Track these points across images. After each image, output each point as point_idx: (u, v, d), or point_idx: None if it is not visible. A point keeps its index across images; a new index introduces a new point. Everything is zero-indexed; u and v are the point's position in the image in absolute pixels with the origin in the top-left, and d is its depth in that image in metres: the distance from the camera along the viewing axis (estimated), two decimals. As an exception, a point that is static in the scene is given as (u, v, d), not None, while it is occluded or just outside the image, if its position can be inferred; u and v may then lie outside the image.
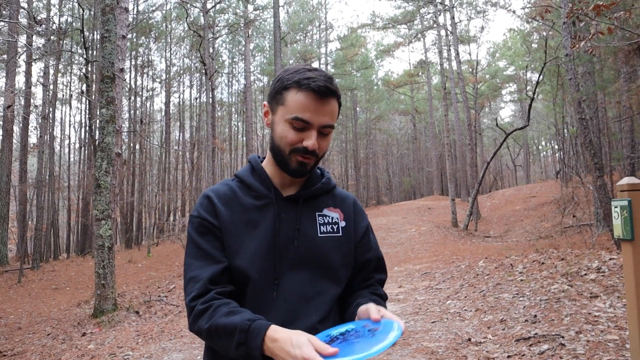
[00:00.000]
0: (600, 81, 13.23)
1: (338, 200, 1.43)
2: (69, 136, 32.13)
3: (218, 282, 1.22)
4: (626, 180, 2.80)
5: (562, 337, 4.10)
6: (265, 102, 1.33)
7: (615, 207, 2.78)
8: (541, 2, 17.46)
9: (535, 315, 4.83)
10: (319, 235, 1.33)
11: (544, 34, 20.47)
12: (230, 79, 38.13)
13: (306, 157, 1.26)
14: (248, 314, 1.13)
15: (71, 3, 22.73)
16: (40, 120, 21.22)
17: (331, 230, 1.36)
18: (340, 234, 1.37)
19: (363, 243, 1.41)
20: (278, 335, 1.05)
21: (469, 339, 4.56)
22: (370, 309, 1.17)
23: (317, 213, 1.36)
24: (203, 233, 1.27)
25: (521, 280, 6.37)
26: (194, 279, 1.21)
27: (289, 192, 1.35)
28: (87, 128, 22.99)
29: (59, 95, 27.04)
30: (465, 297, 6.33)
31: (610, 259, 6.21)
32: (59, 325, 8.55)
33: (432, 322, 5.41)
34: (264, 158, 1.40)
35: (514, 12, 29.22)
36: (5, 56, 20.48)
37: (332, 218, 1.38)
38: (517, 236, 16.53)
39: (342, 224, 1.39)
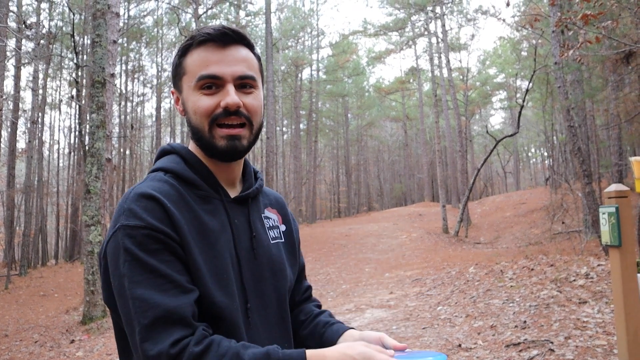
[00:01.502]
0: (589, 89, 13.40)
1: (272, 200, 1.22)
2: (58, 141, 31.95)
3: (195, 318, 0.90)
4: (614, 187, 2.83)
5: (552, 342, 4.12)
6: (172, 89, 1.08)
7: (603, 213, 2.82)
8: (531, 10, 17.67)
9: (525, 321, 4.86)
10: (271, 242, 1.12)
11: (534, 42, 20.69)
12: (222, 85, 38.02)
13: (232, 126, 0.99)
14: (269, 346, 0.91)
15: (61, 7, 22.63)
16: (29, 125, 21.07)
17: (277, 235, 1.15)
18: (283, 239, 1.17)
19: (299, 250, 1.24)
20: (324, 354, 0.90)
21: (460, 345, 4.57)
22: (384, 339, 1.03)
23: (262, 215, 1.14)
24: (154, 251, 0.89)
25: (511, 286, 6.40)
26: (166, 317, 0.84)
27: (232, 192, 1.09)
28: (77, 133, 22.83)
29: (49, 99, 26.87)
30: (456, 303, 6.35)
31: (599, 265, 6.27)
32: (46, 332, 8.45)
33: (423, 328, 5.42)
34: (175, 146, 1.09)
35: (504, 20, 29.65)
36: (-6, 60, 20.33)
37: (274, 221, 1.17)
38: (507, 242, 16.62)
39: (282, 227, 1.19)
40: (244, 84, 1.01)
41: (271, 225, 1.15)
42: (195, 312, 0.89)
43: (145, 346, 0.83)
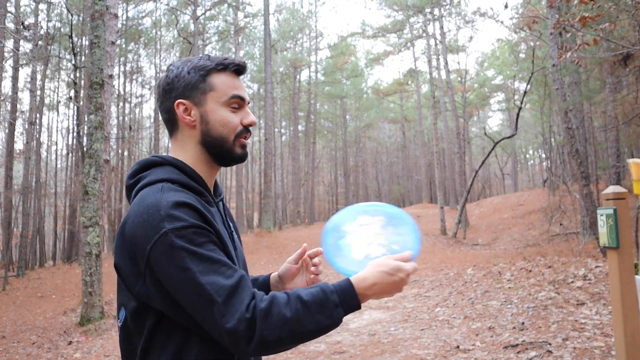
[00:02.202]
0: (587, 91, 13.42)
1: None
2: (56, 142, 31.86)
3: (250, 285, 1.04)
4: (612, 189, 2.84)
5: (550, 344, 4.13)
6: (181, 100, 1.15)
7: (601, 215, 2.82)
8: (529, 12, 17.71)
9: (523, 323, 4.86)
10: (236, 238, 1.27)
11: (532, 44, 20.73)
12: (220, 86, 38.00)
13: (247, 137, 1.20)
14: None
15: (60, 8, 22.61)
16: (26, 126, 21.01)
17: (234, 230, 1.30)
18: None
19: None
20: (365, 277, 1.05)
21: (458, 347, 4.57)
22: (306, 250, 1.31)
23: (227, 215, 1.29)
24: (202, 243, 1.01)
25: (509, 287, 6.41)
26: (233, 292, 0.98)
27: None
28: (75, 134, 22.80)
29: (47, 101, 26.80)
30: (454, 304, 6.36)
31: (597, 266, 6.28)
32: (44, 333, 8.43)
33: (421, 330, 5.42)
34: (167, 157, 1.18)
35: (502, 22, 29.61)
36: (-8, 61, 20.29)
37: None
38: (505, 244, 16.64)
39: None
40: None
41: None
42: (249, 280, 1.03)
43: (225, 320, 0.95)
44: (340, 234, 1.18)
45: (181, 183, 1.11)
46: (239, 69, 1.20)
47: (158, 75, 30.46)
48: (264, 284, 1.35)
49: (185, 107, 1.16)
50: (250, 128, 1.21)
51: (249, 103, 1.22)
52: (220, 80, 1.17)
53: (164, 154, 1.21)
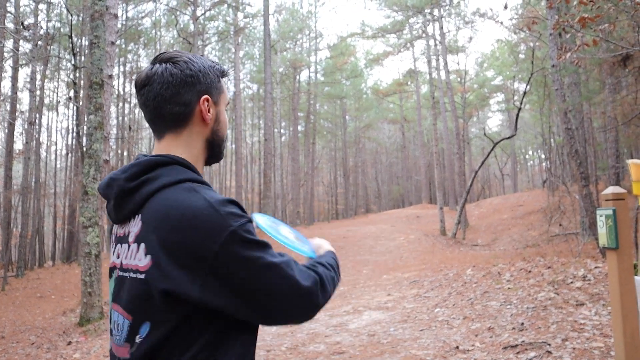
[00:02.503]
0: (586, 92, 13.44)
1: None
2: (56, 142, 31.86)
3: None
4: (611, 189, 2.84)
5: (549, 344, 4.13)
6: (207, 96, 1.14)
7: (601, 216, 2.82)
8: (528, 13, 17.72)
9: (523, 323, 4.86)
10: None
11: (531, 45, 20.75)
12: (220, 87, 38.02)
13: None
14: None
15: (59, 8, 22.61)
16: (26, 126, 21.01)
17: None
18: None
19: None
20: (329, 248, 1.35)
21: (457, 347, 4.57)
22: None
23: None
24: (255, 233, 1.07)
25: (508, 288, 6.41)
26: (294, 263, 1.07)
27: None
28: (75, 134, 22.80)
29: (46, 101, 26.80)
30: (454, 305, 6.36)
31: (596, 267, 6.28)
32: (43, 334, 8.43)
33: (421, 330, 5.42)
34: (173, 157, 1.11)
35: (501, 23, 29.65)
36: (-9, 61, 20.28)
37: None
38: (504, 244, 16.65)
39: None
40: None
41: None
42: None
43: (305, 283, 1.03)
44: (276, 227, 1.40)
45: (199, 182, 1.07)
46: (226, 76, 1.24)
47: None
48: None
49: (209, 104, 1.14)
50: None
51: None
52: (224, 85, 1.21)
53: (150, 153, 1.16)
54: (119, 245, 1.10)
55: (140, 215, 1.04)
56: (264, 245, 1.01)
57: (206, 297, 0.96)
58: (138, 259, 1.01)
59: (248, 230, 0.99)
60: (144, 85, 1.12)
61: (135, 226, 1.04)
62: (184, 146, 1.13)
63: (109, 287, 1.14)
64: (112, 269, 1.12)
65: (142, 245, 1.00)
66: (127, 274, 1.04)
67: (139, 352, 1.00)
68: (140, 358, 1.00)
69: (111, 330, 1.11)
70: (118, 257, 1.09)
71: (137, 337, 1.01)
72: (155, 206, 1.01)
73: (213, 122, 1.16)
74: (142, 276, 0.99)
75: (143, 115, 1.17)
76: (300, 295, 1.02)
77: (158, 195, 1.02)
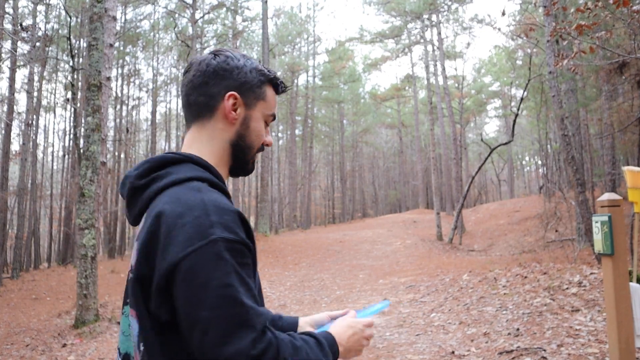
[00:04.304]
0: (583, 98, 13.50)
1: None
2: (53, 144, 31.80)
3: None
4: (607, 196, 2.86)
5: (544, 350, 4.14)
6: (235, 93, 1.10)
7: (596, 222, 2.84)
8: (526, 20, 17.81)
9: (518, 329, 4.87)
10: None
11: (529, 51, 20.84)
12: (218, 90, 38.01)
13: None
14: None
15: (58, 10, 22.60)
16: (23, 128, 20.97)
17: None
18: None
19: None
20: (337, 330, 1.12)
21: (453, 352, 4.58)
22: (331, 315, 1.32)
23: None
24: (245, 264, 0.95)
25: (504, 293, 6.42)
26: (251, 325, 0.90)
27: None
28: (72, 136, 22.76)
29: (44, 102, 26.74)
30: (450, 310, 6.36)
31: (591, 273, 6.30)
32: (38, 336, 8.39)
33: (417, 335, 5.42)
34: (186, 154, 1.09)
35: (499, 29, 29.89)
36: (-11, 62, 20.24)
37: None
38: (500, 250, 16.68)
39: None
40: None
41: None
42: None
43: (253, 347, 0.88)
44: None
45: (211, 182, 1.02)
46: (283, 90, 1.20)
47: (155, 77, 30.49)
48: (289, 326, 1.29)
49: (235, 102, 1.10)
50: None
51: None
52: (270, 93, 1.16)
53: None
54: (134, 248, 1.06)
55: (146, 214, 1.02)
56: (242, 281, 0.91)
57: (156, 303, 0.94)
58: (134, 257, 1.00)
59: (234, 250, 0.91)
60: (185, 72, 1.13)
61: (141, 225, 1.03)
62: (207, 141, 1.10)
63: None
64: (130, 271, 1.09)
65: (136, 244, 1.00)
66: (131, 275, 1.02)
67: (148, 353, 0.97)
68: (147, 355, 0.97)
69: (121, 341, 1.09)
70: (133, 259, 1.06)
71: (142, 336, 0.98)
72: (158, 204, 0.98)
73: (240, 124, 1.11)
74: (133, 275, 0.98)
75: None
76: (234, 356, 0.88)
77: (165, 193, 1.00)
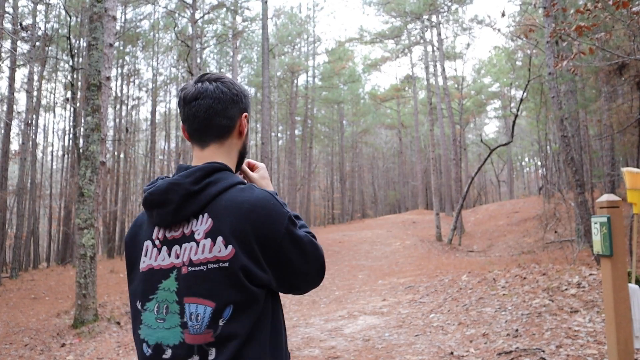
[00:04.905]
0: (582, 100, 13.52)
1: None
2: (52, 144, 31.77)
3: None
4: (606, 197, 2.86)
5: (543, 351, 4.14)
6: (246, 113, 1.36)
7: (595, 223, 2.84)
8: (525, 21, 17.82)
9: (517, 330, 4.87)
10: None
11: (528, 52, 20.86)
12: (218, 90, 37.97)
13: None
14: None
15: (58, 10, 22.59)
16: (22, 127, 20.97)
17: None
18: None
19: None
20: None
21: (452, 353, 4.58)
22: None
23: None
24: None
25: (503, 294, 6.42)
26: (319, 246, 1.30)
27: None
28: (71, 136, 22.76)
29: (43, 102, 26.73)
30: (449, 310, 6.36)
31: (590, 274, 6.31)
32: (37, 335, 8.38)
33: (416, 336, 5.42)
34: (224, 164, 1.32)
35: (499, 30, 29.83)
36: (-11, 61, 20.22)
37: None
38: (500, 251, 16.68)
39: None
40: None
41: None
42: None
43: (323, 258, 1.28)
44: None
45: (245, 184, 1.27)
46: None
47: (155, 77, 30.48)
48: None
49: (247, 120, 1.35)
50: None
51: None
52: None
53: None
54: (176, 246, 1.17)
55: (206, 214, 1.17)
56: (300, 225, 1.26)
57: (269, 274, 1.17)
58: (217, 250, 1.12)
59: (295, 215, 1.26)
60: (195, 99, 1.27)
61: (202, 224, 1.16)
62: (225, 155, 1.31)
63: (163, 287, 1.17)
64: (169, 270, 1.17)
65: (219, 239, 1.13)
66: (202, 267, 1.12)
67: (224, 332, 1.11)
68: (224, 337, 1.11)
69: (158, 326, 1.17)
70: (178, 257, 1.16)
71: (221, 320, 1.11)
72: (224, 204, 1.17)
73: (245, 137, 1.36)
74: (227, 264, 1.11)
75: (187, 125, 1.30)
76: (320, 272, 1.28)
77: (223, 195, 1.18)
